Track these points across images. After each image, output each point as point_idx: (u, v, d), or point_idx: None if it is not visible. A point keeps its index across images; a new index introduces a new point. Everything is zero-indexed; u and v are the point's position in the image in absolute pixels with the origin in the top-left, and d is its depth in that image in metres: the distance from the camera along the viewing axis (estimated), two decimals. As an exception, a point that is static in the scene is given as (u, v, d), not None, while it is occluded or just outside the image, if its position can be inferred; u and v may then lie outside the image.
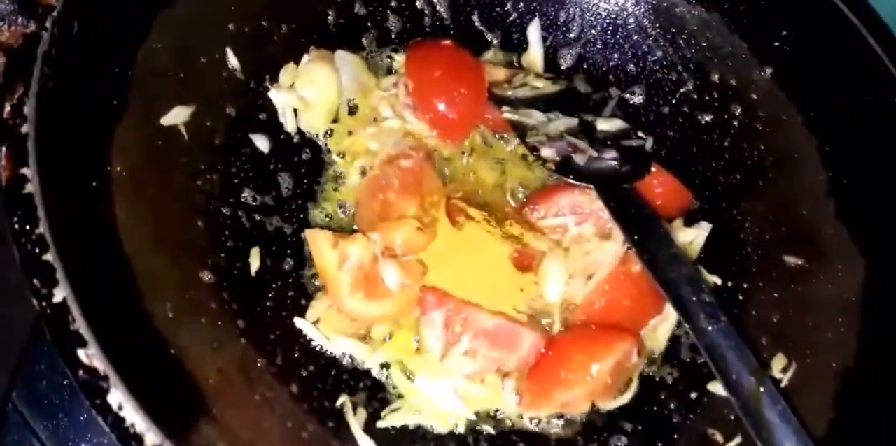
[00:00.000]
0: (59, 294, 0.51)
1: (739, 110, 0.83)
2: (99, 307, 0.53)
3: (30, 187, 0.54)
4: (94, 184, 0.60)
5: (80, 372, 0.50)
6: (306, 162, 0.82)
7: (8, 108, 0.56)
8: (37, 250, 0.52)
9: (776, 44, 0.79)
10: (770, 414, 0.62)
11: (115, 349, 0.52)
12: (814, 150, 0.77)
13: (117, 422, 0.50)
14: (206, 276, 0.69)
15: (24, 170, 0.54)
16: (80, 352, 0.51)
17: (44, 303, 0.51)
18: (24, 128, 0.55)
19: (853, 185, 0.74)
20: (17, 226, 0.53)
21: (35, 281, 0.52)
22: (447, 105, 0.83)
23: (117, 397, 0.50)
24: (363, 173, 0.82)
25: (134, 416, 0.50)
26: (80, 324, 0.51)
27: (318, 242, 0.74)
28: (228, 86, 0.77)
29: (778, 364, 0.73)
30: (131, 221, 0.61)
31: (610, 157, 0.80)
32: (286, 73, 0.82)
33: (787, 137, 0.79)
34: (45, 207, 0.54)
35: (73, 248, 0.54)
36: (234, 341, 0.67)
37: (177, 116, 0.70)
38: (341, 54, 0.85)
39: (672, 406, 0.76)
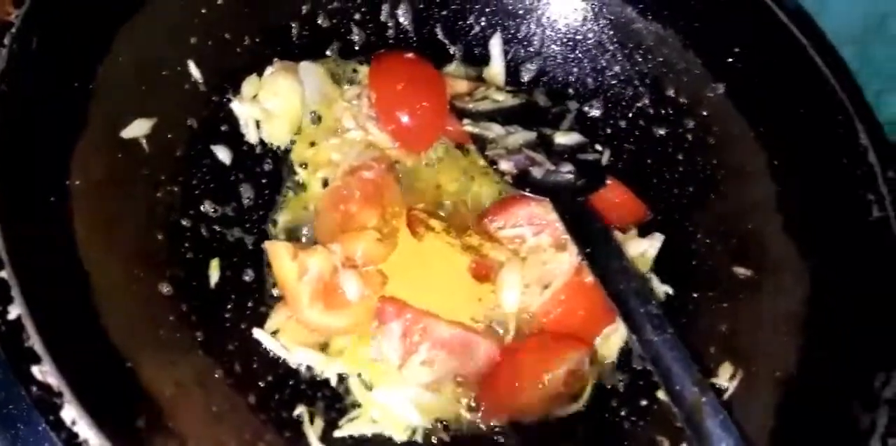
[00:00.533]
0: (14, 311, 0.52)
1: (693, 124, 0.85)
2: (54, 323, 0.54)
3: (-15, 205, 0.54)
4: (52, 198, 0.60)
5: (34, 389, 0.51)
6: (268, 173, 0.83)
7: (-35, 126, 0.56)
8: (-9, 268, 0.53)
9: (729, 61, 0.81)
10: (711, 425, 0.63)
11: (69, 365, 0.53)
12: (763, 165, 0.79)
13: (71, 438, 0.51)
14: (165, 289, 0.69)
15: (-20, 188, 0.55)
16: (34, 369, 0.51)
17: (-2, 320, 0.52)
18: (-19, 146, 0.56)
19: (800, 200, 0.76)
20: (-29, 244, 0.53)
21: (-11, 298, 0.52)
22: (409, 117, 0.84)
23: (71, 413, 0.51)
24: (325, 184, 0.83)
25: (87, 432, 0.51)
26: (34, 341, 0.52)
27: (278, 254, 0.75)
28: (190, 98, 0.77)
29: (725, 372, 0.74)
30: (90, 236, 0.62)
31: (566, 170, 0.82)
32: (249, 85, 0.83)
33: (738, 152, 0.81)
34: (2, 224, 0.54)
35: (30, 264, 0.55)
36: (192, 353, 0.68)
37: (138, 129, 0.71)
38: (305, 65, 0.85)
39: (623, 413, 0.77)
